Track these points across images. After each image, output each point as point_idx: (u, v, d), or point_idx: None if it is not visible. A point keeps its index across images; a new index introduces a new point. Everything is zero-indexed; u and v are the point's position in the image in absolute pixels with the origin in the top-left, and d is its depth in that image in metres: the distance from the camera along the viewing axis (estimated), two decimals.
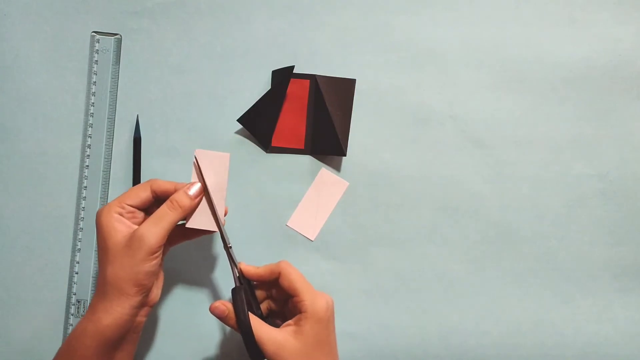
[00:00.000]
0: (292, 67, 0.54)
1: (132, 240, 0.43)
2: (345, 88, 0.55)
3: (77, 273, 0.55)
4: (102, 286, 0.44)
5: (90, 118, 0.55)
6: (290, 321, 0.47)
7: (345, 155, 0.55)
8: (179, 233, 0.49)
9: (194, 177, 0.48)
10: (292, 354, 0.44)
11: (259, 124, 0.55)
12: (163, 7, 0.55)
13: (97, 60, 0.55)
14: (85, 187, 0.55)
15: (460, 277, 0.56)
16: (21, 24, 0.54)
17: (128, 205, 0.46)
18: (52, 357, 0.45)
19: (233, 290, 0.47)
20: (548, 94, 0.55)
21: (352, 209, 0.56)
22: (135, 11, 0.55)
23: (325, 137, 0.55)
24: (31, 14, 0.54)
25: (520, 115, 0.55)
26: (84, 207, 0.55)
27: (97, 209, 0.54)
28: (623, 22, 0.55)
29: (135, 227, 0.45)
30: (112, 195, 0.55)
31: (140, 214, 0.47)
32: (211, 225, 0.48)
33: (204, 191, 0.48)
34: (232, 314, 0.46)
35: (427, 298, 0.56)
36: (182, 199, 0.46)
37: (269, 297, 0.50)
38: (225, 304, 0.46)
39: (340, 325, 0.51)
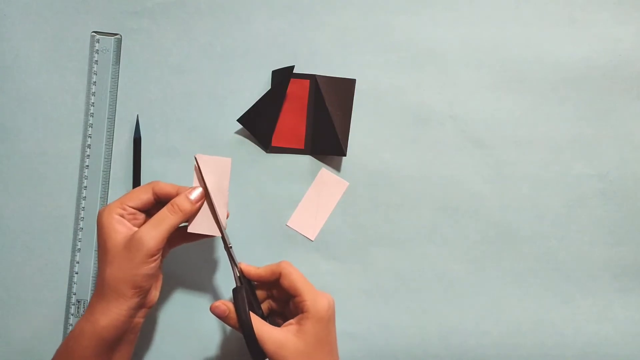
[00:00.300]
0: (292, 67, 0.54)
1: (131, 242, 0.43)
2: (345, 88, 0.55)
3: (77, 273, 0.55)
4: (101, 287, 0.44)
5: (90, 118, 0.55)
6: (291, 320, 0.47)
7: (345, 155, 0.55)
8: (179, 235, 0.49)
9: (196, 182, 0.48)
10: (293, 354, 0.44)
11: (259, 124, 0.55)
12: (163, 7, 0.55)
13: (97, 60, 0.55)
14: (85, 187, 0.55)
15: (460, 277, 0.56)
16: (21, 24, 0.54)
17: (129, 206, 0.46)
18: (52, 357, 0.45)
19: (234, 290, 0.47)
20: (548, 94, 0.55)
21: (352, 209, 0.56)
22: (135, 11, 0.55)
23: (325, 137, 0.55)
24: (31, 14, 0.54)
25: (520, 115, 0.55)
26: (84, 207, 0.55)
27: (97, 209, 0.54)
28: (623, 22, 0.55)
29: (136, 228, 0.45)
30: (112, 196, 0.55)
31: (141, 216, 0.47)
32: (212, 230, 0.48)
33: (206, 196, 0.48)
34: (233, 314, 0.46)
35: (427, 298, 0.56)
36: (183, 203, 0.46)
37: (269, 297, 0.50)
38: (226, 304, 0.46)
39: (340, 325, 0.51)
